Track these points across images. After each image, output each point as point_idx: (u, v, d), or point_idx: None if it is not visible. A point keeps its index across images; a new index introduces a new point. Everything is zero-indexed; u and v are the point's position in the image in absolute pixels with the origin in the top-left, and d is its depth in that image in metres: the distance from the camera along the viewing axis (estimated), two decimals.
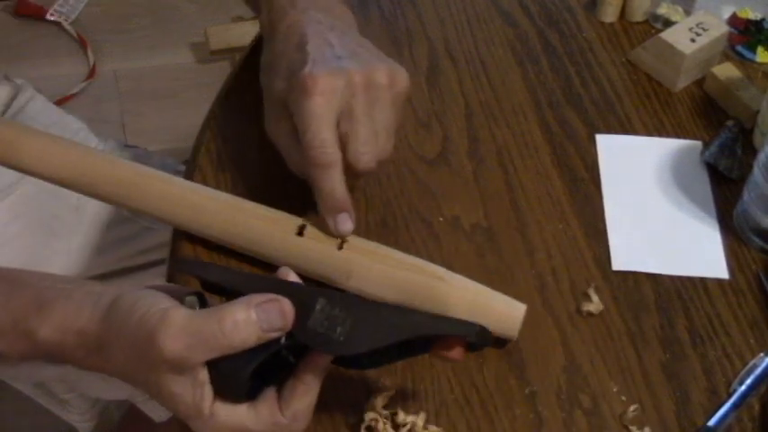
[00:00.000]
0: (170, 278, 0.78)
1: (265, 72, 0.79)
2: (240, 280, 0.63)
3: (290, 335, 0.60)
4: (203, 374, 0.60)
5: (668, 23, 0.98)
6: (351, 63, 0.72)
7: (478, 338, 0.62)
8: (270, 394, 0.62)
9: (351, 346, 0.60)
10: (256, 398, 0.62)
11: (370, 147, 0.72)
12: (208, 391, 0.60)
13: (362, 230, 0.81)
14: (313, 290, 0.62)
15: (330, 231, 0.73)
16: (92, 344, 0.62)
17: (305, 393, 0.61)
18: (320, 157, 0.70)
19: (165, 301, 0.61)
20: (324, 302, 0.61)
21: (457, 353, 0.62)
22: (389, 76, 0.73)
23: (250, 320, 0.58)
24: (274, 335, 0.59)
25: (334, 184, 0.71)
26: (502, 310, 0.72)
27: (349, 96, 0.71)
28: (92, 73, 2.08)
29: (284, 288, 0.61)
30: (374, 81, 0.72)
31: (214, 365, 0.60)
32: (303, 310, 0.60)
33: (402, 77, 0.74)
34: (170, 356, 0.58)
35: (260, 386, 0.62)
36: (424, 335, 0.62)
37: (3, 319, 0.64)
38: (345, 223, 0.72)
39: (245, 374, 0.60)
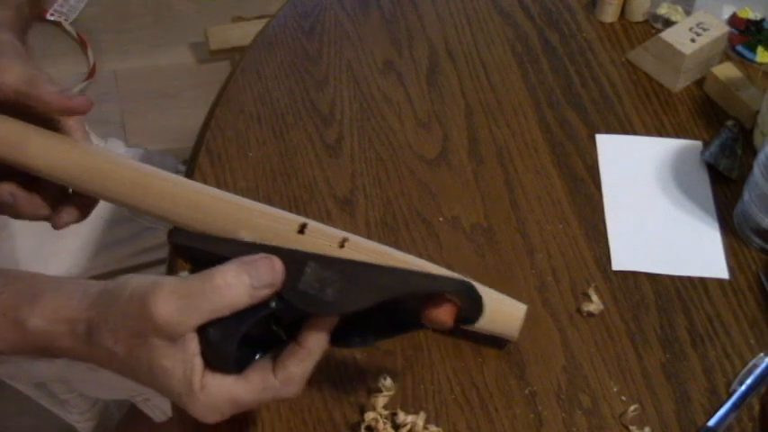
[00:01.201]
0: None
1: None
2: (231, 247, 0.63)
3: (280, 300, 0.60)
4: (194, 345, 0.59)
5: (668, 23, 0.98)
6: None
7: (468, 294, 0.62)
8: (261, 363, 0.62)
9: (342, 306, 0.60)
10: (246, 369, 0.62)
11: None
12: (198, 363, 0.60)
13: (363, 230, 0.82)
14: (304, 253, 0.62)
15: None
16: (81, 331, 0.62)
17: (303, 358, 0.61)
18: None
19: (155, 276, 0.61)
20: (314, 265, 0.61)
21: (446, 312, 0.62)
22: None
23: (240, 278, 0.58)
24: (265, 292, 0.59)
25: None
26: (503, 311, 0.72)
27: None
28: (92, 73, 2.08)
29: (275, 252, 0.61)
30: None
31: (204, 335, 0.59)
32: (294, 273, 0.60)
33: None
34: (161, 320, 0.58)
35: (250, 359, 0.62)
36: (415, 291, 0.61)
37: None
38: None
39: (235, 339, 0.59)
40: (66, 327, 0.62)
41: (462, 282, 0.62)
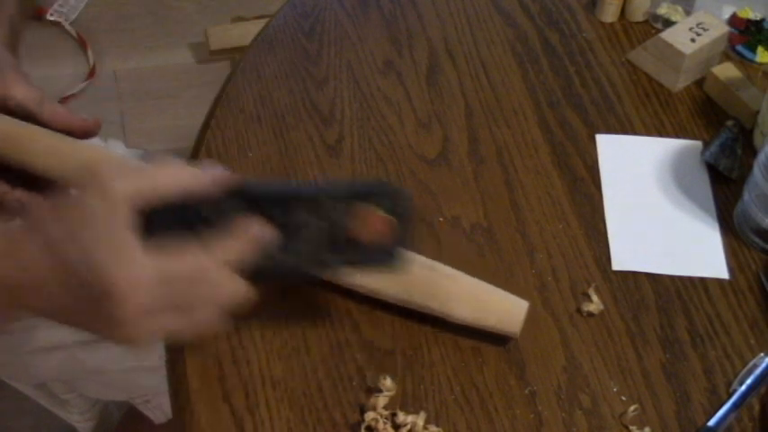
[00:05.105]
0: None
1: None
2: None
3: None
4: (127, 210, 0.59)
5: (668, 23, 0.98)
6: None
7: (391, 196, 0.65)
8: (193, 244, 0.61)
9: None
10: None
11: None
12: (130, 234, 0.58)
13: None
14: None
15: None
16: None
17: (232, 242, 0.62)
18: None
19: None
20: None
21: (380, 221, 0.64)
22: None
23: (187, 167, 0.62)
24: (207, 179, 0.62)
25: None
26: (505, 307, 0.72)
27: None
28: (92, 73, 2.08)
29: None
30: None
31: (145, 218, 0.60)
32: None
33: None
34: (103, 172, 0.59)
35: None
36: (332, 195, 0.65)
37: None
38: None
39: (172, 225, 0.61)
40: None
41: (380, 182, 0.66)
